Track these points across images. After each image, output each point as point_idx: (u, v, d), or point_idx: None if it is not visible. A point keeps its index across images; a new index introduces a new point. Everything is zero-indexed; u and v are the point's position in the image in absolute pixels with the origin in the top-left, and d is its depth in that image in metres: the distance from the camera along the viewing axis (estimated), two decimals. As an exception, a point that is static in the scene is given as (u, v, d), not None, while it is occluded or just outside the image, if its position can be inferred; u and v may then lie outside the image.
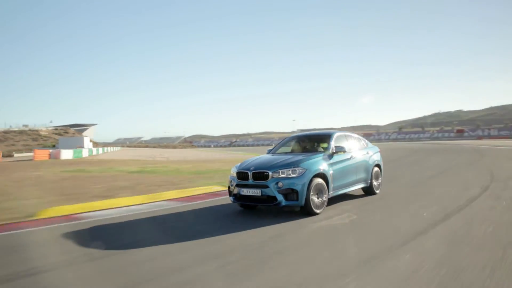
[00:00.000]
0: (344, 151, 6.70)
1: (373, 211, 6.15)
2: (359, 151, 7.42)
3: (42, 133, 71.24)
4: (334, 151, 6.52)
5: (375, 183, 7.81)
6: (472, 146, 37.26)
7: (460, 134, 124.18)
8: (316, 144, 7.30)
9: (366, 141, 8.22)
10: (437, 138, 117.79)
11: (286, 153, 7.12)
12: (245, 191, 5.85)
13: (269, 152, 7.53)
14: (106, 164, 23.85)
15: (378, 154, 8.28)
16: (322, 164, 6.07)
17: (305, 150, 7.24)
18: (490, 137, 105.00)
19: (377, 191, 7.88)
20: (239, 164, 6.45)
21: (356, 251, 3.95)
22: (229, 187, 6.35)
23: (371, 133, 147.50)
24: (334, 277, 3.18)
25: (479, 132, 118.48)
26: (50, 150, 38.44)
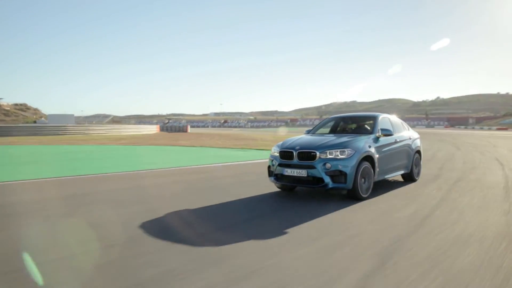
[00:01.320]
0: (391, 134, 6.39)
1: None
2: (402, 136, 7.10)
3: (7, 108, 68.19)
4: (380, 134, 6.23)
5: (415, 169, 7.51)
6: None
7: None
8: (359, 126, 7.00)
9: (407, 125, 7.88)
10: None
11: (328, 134, 6.84)
12: (289, 171, 5.62)
13: (308, 132, 7.27)
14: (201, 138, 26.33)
15: (419, 139, 7.95)
16: (370, 147, 5.79)
17: (346, 132, 6.97)
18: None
19: (417, 178, 7.59)
20: (281, 143, 6.20)
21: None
22: (269, 167, 6.13)
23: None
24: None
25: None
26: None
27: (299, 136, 6.56)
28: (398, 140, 6.78)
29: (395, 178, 7.60)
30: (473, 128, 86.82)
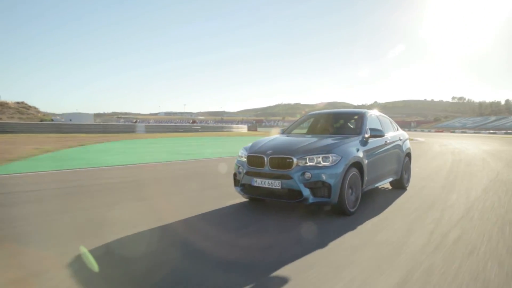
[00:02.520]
0: (382, 135, 5.35)
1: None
2: (392, 137, 6.09)
3: (12, 106, 64.35)
4: (369, 135, 5.17)
5: (405, 175, 6.55)
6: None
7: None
8: (343, 125, 5.93)
9: (396, 124, 6.89)
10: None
11: (306, 134, 5.71)
12: (259, 182, 4.44)
13: (282, 132, 6.13)
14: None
15: (408, 141, 6.99)
16: (358, 151, 4.72)
17: (327, 132, 5.83)
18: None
19: (407, 185, 6.63)
20: (249, 145, 5.02)
21: None
22: (235, 175, 4.95)
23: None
24: None
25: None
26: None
27: (273, 137, 5.39)
28: (388, 142, 5.77)
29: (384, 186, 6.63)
30: (415, 130, 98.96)
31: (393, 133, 6.25)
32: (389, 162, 5.80)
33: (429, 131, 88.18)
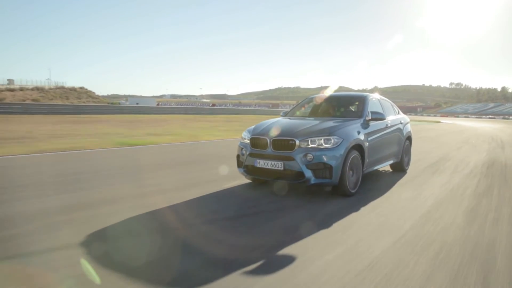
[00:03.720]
0: (383, 119, 5.42)
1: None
2: (393, 120, 6.16)
3: (79, 90, 64.81)
4: (370, 118, 5.24)
5: (405, 158, 6.65)
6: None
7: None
8: (345, 108, 5.98)
9: (397, 108, 6.94)
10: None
11: (309, 117, 5.78)
12: (262, 163, 4.55)
13: (285, 115, 6.20)
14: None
15: (409, 124, 7.05)
16: (359, 133, 4.80)
17: (328, 115, 5.89)
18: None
19: (407, 168, 6.73)
20: (252, 127, 5.10)
21: None
22: (238, 156, 5.05)
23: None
24: None
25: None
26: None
27: (275, 119, 5.46)
28: (389, 125, 5.84)
29: (384, 168, 6.74)
30: (422, 115, 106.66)
31: (394, 117, 6.31)
32: (389, 145, 5.89)
33: (434, 116, 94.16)
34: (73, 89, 61.92)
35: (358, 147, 4.74)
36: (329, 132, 4.44)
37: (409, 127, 6.93)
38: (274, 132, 4.59)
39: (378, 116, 5.30)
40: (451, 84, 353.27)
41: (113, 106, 36.27)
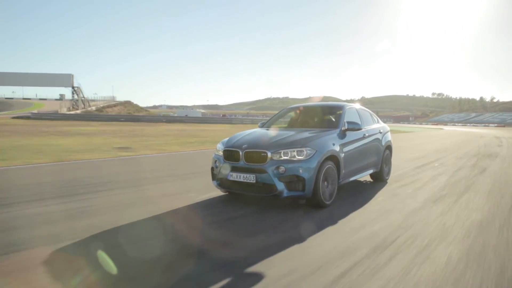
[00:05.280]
0: (359, 128, 5.36)
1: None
2: (371, 129, 6.11)
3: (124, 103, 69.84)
4: (346, 128, 5.17)
5: (385, 168, 6.59)
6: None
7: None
8: (322, 118, 5.92)
9: (377, 117, 6.91)
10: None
11: (285, 128, 5.70)
12: (234, 176, 4.42)
13: (262, 126, 6.11)
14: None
15: (389, 133, 7.02)
16: (334, 145, 4.71)
17: (306, 125, 5.82)
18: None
19: (387, 178, 6.67)
20: (226, 139, 4.98)
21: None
22: (212, 169, 4.92)
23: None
24: None
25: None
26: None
27: (251, 131, 5.37)
28: (366, 134, 5.79)
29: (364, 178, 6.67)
30: (414, 123, 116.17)
31: (373, 126, 6.26)
32: (367, 155, 5.82)
33: (426, 124, 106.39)
34: (128, 103, 72.01)
35: (333, 158, 4.65)
36: (302, 144, 4.35)
37: (389, 136, 6.89)
38: (246, 144, 4.49)
39: (355, 126, 5.24)
40: (433, 94, 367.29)
41: (182, 117, 49.27)
